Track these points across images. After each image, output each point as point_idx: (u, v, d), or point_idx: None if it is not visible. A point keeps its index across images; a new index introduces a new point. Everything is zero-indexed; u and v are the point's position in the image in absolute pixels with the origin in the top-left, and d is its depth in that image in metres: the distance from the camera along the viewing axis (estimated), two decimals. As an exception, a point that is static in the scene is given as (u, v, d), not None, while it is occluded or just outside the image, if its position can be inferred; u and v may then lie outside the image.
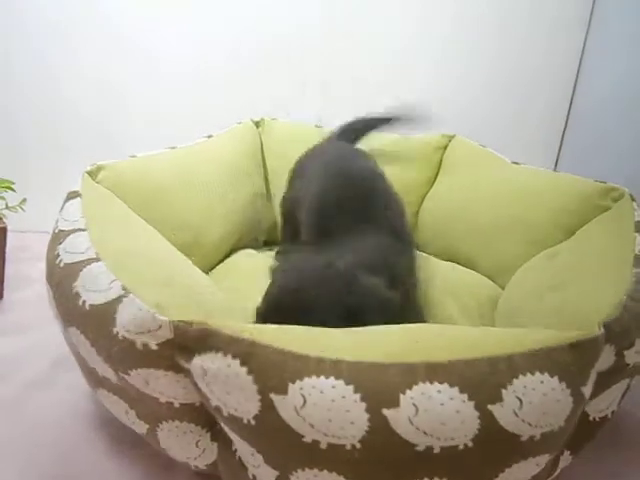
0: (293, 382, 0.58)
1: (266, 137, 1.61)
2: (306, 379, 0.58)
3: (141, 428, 0.76)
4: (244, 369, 0.59)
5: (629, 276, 0.78)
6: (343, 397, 0.57)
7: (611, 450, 0.84)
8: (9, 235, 1.30)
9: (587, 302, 0.74)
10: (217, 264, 1.31)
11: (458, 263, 1.33)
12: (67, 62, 1.72)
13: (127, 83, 1.77)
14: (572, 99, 1.85)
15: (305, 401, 0.57)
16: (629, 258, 0.83)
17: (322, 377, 0.58)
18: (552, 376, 0.60)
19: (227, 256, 1.34)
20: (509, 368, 0.60)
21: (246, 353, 0.60)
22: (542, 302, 0.72)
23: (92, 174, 1.04)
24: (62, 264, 0.77)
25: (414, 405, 0.57)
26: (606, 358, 0.68)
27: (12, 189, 1.34)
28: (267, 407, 0.58)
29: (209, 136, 1.45)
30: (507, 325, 0.78)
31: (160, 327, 0.64)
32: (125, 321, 0.66)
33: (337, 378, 0.58)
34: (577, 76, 1.82)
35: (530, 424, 0.59)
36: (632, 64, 1.55)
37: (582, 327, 0.66)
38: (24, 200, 1.34)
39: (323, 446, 0.58)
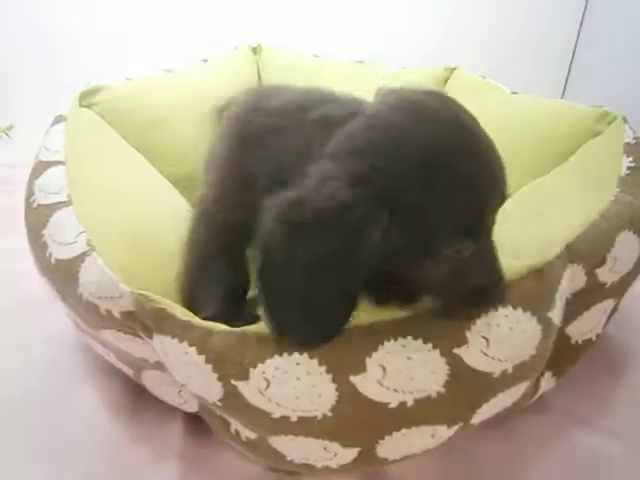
0: (254, 367, 0.56)
1: (263, 66, 1.51)
2: (268, 361, 0.56)
3: (127, 370, 0.75)
4: (202, 358, 0.57)
5: (608, 196, 0.75)
6: (308, 373, 0.55)
7: (598, 375, 0.84)
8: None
9: (558, 226, 0.72)
10: None
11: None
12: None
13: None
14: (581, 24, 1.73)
15: (269, 383, 0.55)
16: (613, 179, 0.80)
17: (285, 355, 0.56)
18: (515, 308, 0.59)
19: None
20: (473, 308, 0.59)
21: (202, 341, 0.57)
22: (520, 233, 0.69)
23: (87, 96, 0.98)
24: (35, 204, 0.74)
25: (381, 366, 0.56)
26: (576, 278, 0.67)
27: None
28: (230, 393, 0.57)
29: (205, 60, 1.36)
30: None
31: (121, 296, 0.61)
32: (87, 283, 0.63)
33: (300, 353, 0.56)
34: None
35: (500, 359, 0.59)
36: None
37: (547, 250, 0.65)
38: (10, 126, 1.22)
39: (293, 419, 0.57)
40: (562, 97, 1.82)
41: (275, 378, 0.55)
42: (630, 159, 0.84)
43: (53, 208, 0.72)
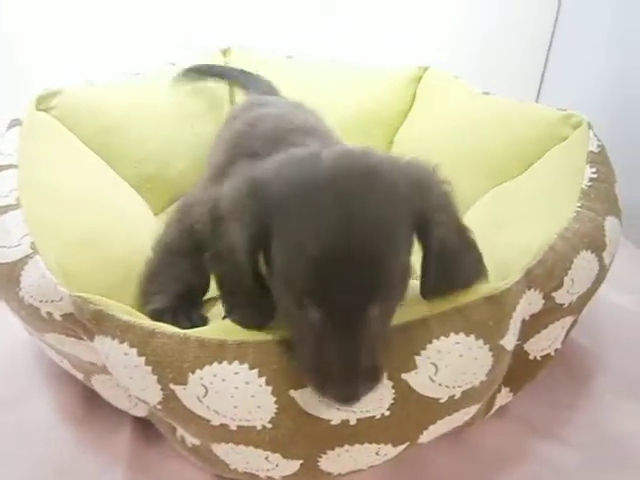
0: (193, 372, 0.55)
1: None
2: (207, 367, 0.55)
3: (77, 375, 0.74)
4: (142, 359, 0.56)
5: (569, 213, 0.73)
6: (247, 383, 0.55)
7: (556, 382, 0.83)
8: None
9: (516, 247, 0.71)
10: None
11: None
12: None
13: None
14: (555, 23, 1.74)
15: (207, 390, 0.55)
16: (575, 192, 0.78)
17: (225, 363, 0.55)
18: (468, 335, 0.58)
19: None
20: (423, 333, 0.58)
21: (143, 342, 0.57)
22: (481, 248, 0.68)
23: (44, 100, 0.97)
24: None
25: (323, 385, 0.55)
26: (533, 302, 0.66)
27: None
28: (169, 396, 0.56)
29: (173, 64, 1.36)
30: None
31: (61, 299, 0.61)
32: (28, 286, 0.63)
33: (241, 362, 0.55)
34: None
35: (448, 386, 0.58)
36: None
37: (505, 275, 0.64)
38: None
39: (233, 427, 0.57)
40: (537, 99, 1.83)
41: (213, 385, 0.55)
42: (593, 170, 0.82)
43: (1, 211, 0.71)
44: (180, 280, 0.74)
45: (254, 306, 0.60)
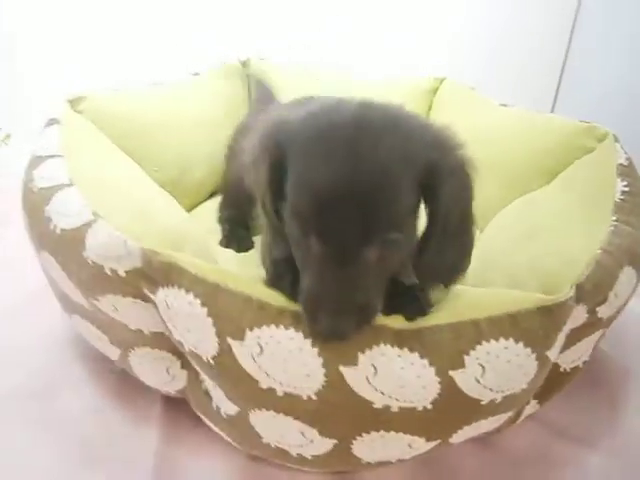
0: (251, 330, 0.57)
1: (253, 80, 1.52)
2: (264, 328, 0.57)
3: (114, 354, 0.77)
4: (204, 310, 0.58)
5: (606, 226, 0.74)
6: (300, 350, 0.56)
7: (579, 387, 0.83)
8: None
9: (559, 258, 0.71)
10: (199, 204, 1.30)
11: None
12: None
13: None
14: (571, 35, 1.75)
15: (262, 350, 0.57)
16: (608, 205, 0.78)
17: (281, 327, 0.57)
18: (517, 342, 0.59)
19: (210, 197, 1.33)
20: (473, 334, 0.59)
21: (208, 295, 0.59)
22: (515, 255, 0.68)
23: (73, 103, 1.00)
24: (36, 189, 0.75)
25: (373, 366, 0.57)
26: (578, 317, 0.66)
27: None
28: (225, 350, 0.58)
29: (195, 74, 1.41)
30: (478, 280, 0.75)
31: (129, 253, 0.63)
32: (95, 245, 0.65)
33: (297, 330, 0.57)
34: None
35: (492, 389, 0.59)
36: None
37: (552, 286, 0.64)
38: (8, 136, 1.27)
39: (279, 394, 0.58)
40: (552, 110, 1.82)
41: (268, 346, 0.57)
42: (624, 183, 0.83)
43: (55, 189, 0.73)
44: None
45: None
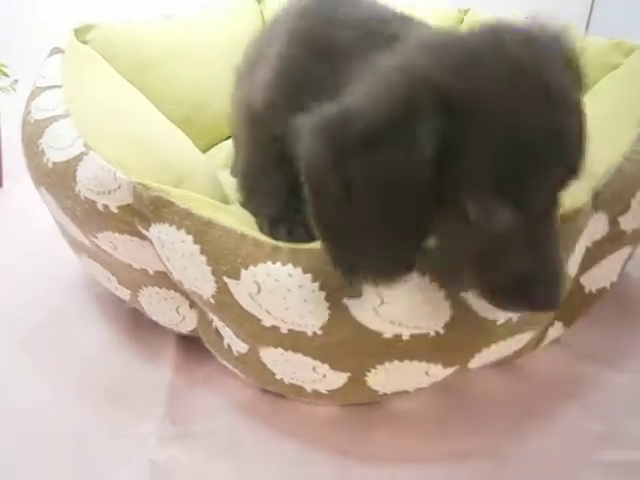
0: (246, 268, 0.54)
1: (268, 15, 1.41)
2: (260, 265, 0.54)
3: (124, 294, 0.75)
4: (197, 247, 0.56)
5: (630, 136, 0.69)
6: (300, 286, 0.53)
7: (605, 310, 0.80)
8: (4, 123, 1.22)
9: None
10: (215, 145, 1.22)
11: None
12: None
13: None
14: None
15: (260, 288, 0.54)
16: (634, 116, 0.73)
17: (278, 264, 0.54)
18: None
19: (227, 138, 1.21)
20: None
21: (200, 231, 0.56)
22: None
23: (80, 33, 0.94)
24: (32, 120, 0.73)
25: (379, 296, 0.53)
26: (599, 227, 0.63)
27: (5, 74, 1.21)
28: (222, 290, 0.56)
29: (204, 7, 1.32)
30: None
31: (119, 187, 0.60)
32: (85, 179, 0.62)
33: (295, 266, 0.54)
34: None
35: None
36: None
37: (572, 195, 0.58)
38: (16, 81, 1.21)
39: (284, 331, 0.56)
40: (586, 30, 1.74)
41: (266, 284, 0.54)
42: None
43: (50, 120, 0.71)
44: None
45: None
